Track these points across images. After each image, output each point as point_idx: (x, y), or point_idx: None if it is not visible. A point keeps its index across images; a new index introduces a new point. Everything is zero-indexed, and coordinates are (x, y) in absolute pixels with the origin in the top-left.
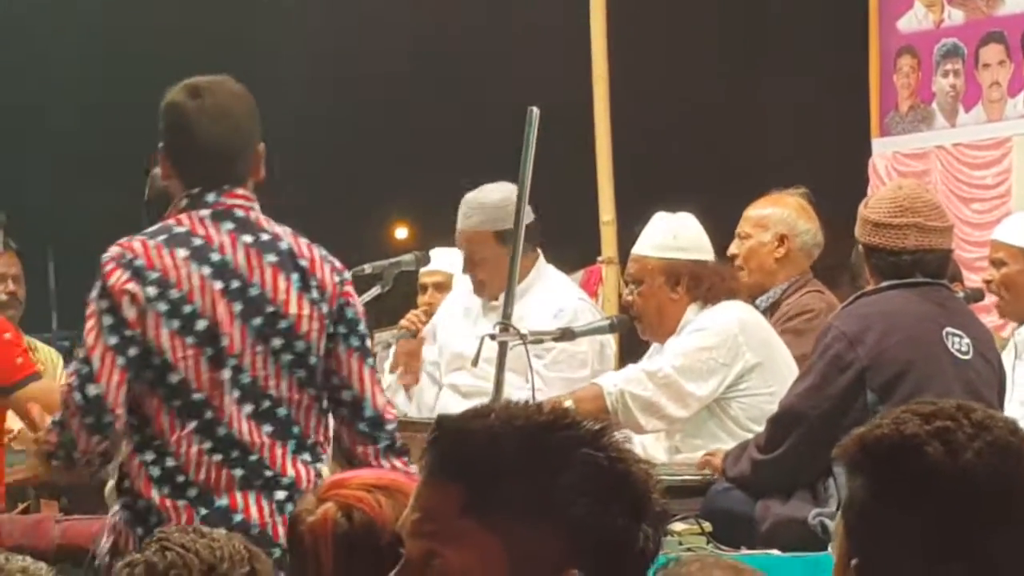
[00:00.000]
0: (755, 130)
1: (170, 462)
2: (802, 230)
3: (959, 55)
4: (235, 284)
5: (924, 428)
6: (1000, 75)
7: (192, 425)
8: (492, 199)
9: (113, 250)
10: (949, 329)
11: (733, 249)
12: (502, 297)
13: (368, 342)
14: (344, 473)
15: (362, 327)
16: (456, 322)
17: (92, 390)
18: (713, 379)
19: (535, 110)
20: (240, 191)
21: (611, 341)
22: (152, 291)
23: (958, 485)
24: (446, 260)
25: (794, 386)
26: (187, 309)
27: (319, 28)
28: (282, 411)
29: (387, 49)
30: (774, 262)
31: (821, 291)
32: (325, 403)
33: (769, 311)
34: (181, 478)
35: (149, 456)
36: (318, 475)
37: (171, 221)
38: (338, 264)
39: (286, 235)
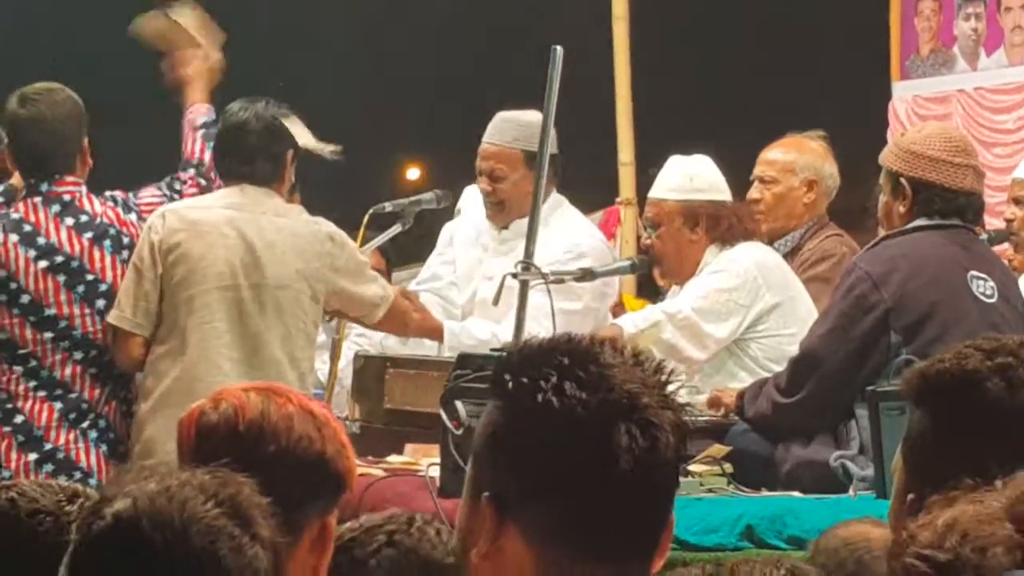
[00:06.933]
0: (775, 73)
1: (2, 395)
2: (827, 174)
3: None
4: (59, 260)
5: (986, 364)
6: (1022, 19)
7: (19, 370)
8: (529, 119)
9: None
10: (973, 272)
11: (755, 194)
12: (514, 227)
13: None
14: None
15: None
16: (469, 266)
17: None
18: (732, 320)
19: (559, 49)
20: (69, 178)
21: (615, 283)
22: None
23: (1016, 420)
24: None
25: (815, 327)
26: (12, 286)
27: None
28: (107, 357)
29: None
30: (803, 207)
31: (840, 234)
32: None
33: (789, 255)
34: (10, 406)
35: None
36: (127, 413)
37: (12, 209)
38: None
39: (103, 210)
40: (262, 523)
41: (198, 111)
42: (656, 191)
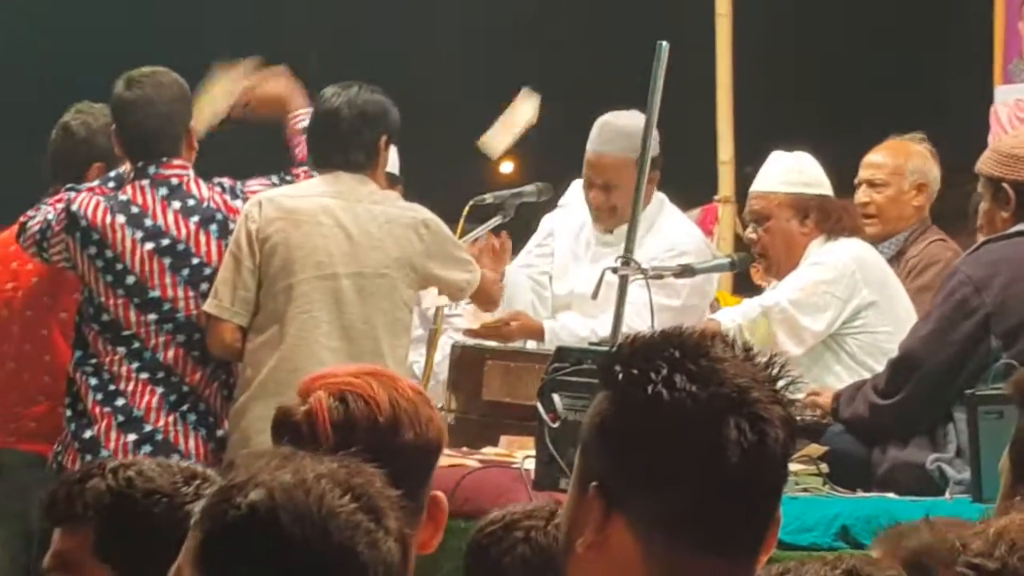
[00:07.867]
0: (876, 75)
1: (105, 376)
2: (933, 177)
3: None
4: (165, 243)
5: None
6: None
7: (122, 351)
8: (634, 124)
9: (74, 199)
10: None
11: (863, 197)
12: (619, 232)
13: None
14: (317, 372)
15: None
16: (568, 260)
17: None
18: (829, 313)
19: (665, 44)
20: (176, 162)
21: (714, 281)
22: (92, 249)
23: None
24: None
25: (916, 330)
26: (118, 267)
27: None
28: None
29: None
30: (912, 210)
31: (944, 239)
32: None
33: (894, 259)
34: (112, 388)
35: (89, 369)
36: (227, 398)
37: (120, 191)
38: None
39: (210, 195)
40: (391, 515)
41: (299, 116)
42: (763, 184)
